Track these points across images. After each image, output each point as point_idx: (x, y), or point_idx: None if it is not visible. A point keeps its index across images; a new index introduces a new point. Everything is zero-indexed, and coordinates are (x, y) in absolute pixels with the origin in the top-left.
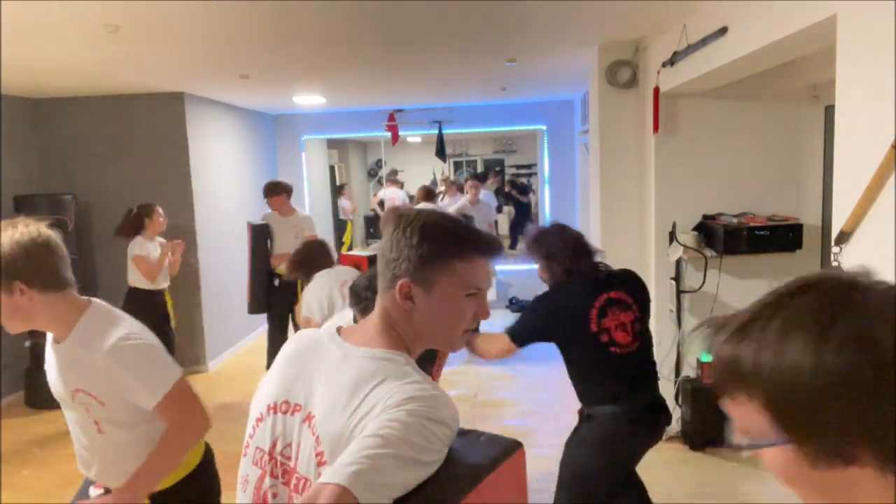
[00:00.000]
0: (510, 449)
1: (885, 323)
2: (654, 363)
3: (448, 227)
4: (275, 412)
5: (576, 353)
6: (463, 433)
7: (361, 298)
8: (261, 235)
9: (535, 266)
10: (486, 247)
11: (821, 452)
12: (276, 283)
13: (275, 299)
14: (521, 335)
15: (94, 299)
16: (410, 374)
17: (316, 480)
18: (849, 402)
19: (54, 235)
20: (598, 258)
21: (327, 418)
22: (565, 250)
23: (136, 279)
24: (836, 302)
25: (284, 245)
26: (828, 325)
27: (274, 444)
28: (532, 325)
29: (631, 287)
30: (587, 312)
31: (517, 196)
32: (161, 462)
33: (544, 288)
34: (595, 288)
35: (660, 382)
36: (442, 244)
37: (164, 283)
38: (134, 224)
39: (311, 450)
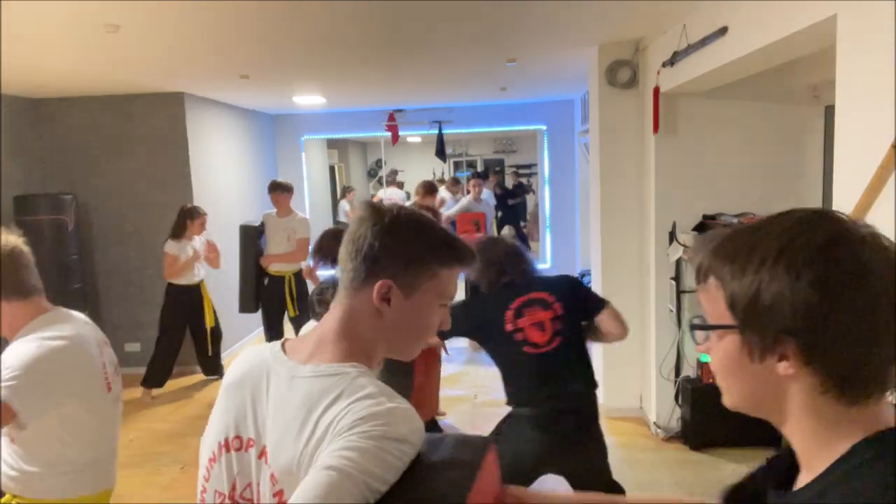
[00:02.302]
0: (483, 447)
1: (848, 244)
2: (578, 361)
3: (439, 232)
4: (227, 450)
5: (493, 353)
6: (431, 439)
7: (327, 304)
8: (249, 236)
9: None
10: (470, 257)
11: (758, 342)
12: (266, 281)
13: (265, 298)
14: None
15: (60, 308)
16: (364, 388)
17: None
18: (787, 302)
19: (20, 244)
20: (532, 267)
21: (279, 451)
22: (490, 267)
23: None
24: (810, 222)
25: (276, 246)
26: (804, 234)
27: (233, 487)
28: (454, 323)
29: (556, 288)
30: (503, 314)
31: (512, 199)
32: None
33: None
34: (516, 291)
35: (656, 381)
36: (434, 248)
37: (197, 279)
38: (177, 224)
39: (269, 488)
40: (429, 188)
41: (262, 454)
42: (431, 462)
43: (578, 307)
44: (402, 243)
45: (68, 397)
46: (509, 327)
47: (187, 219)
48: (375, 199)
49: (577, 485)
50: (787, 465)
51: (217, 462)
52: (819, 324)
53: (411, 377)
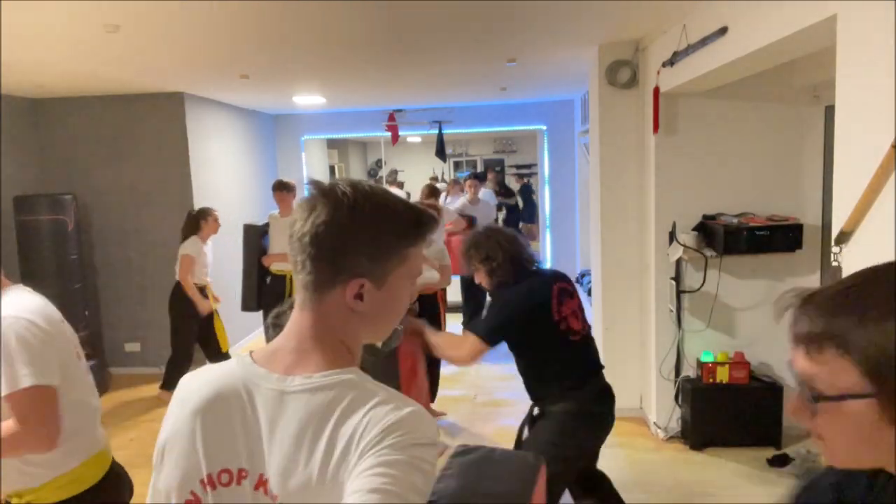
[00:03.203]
0: (536, 466)
1: None
2: (596, 349)
3: (401, 209)
4: (213, 487)
5: (541, 346)
6: (470, 451)
7: (269, 336)
8: (253, 235)
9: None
10: (434, 225)
11: None
12: (268, 280)
13: (266, 296)
14: (493, 334)
15: (19, 285)
16: (374, 394)
17: None
18: None
19: None
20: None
21: (287, 475)
22: (506, 249)
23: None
24: None
25: (279, 245)
26: None
27: None
28: (507, 322)
29: (567, 278)
30: (549, 302)
31: (503, 199)
32: None
33: None
34: (546, 281)
35: (654, 377)
36: (401, 231)
37: (206, 279)
38: (191, 225)
39: None
40: (432, 191)
41: (258, 484)
42: (481, 488)
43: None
44: (370, 234)
45: (57, 367)
46: (556, 317)
47: (200, 219)
48: None
49: (593, 457)
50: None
51: (202, 502)
52: None
53: (396, 381)
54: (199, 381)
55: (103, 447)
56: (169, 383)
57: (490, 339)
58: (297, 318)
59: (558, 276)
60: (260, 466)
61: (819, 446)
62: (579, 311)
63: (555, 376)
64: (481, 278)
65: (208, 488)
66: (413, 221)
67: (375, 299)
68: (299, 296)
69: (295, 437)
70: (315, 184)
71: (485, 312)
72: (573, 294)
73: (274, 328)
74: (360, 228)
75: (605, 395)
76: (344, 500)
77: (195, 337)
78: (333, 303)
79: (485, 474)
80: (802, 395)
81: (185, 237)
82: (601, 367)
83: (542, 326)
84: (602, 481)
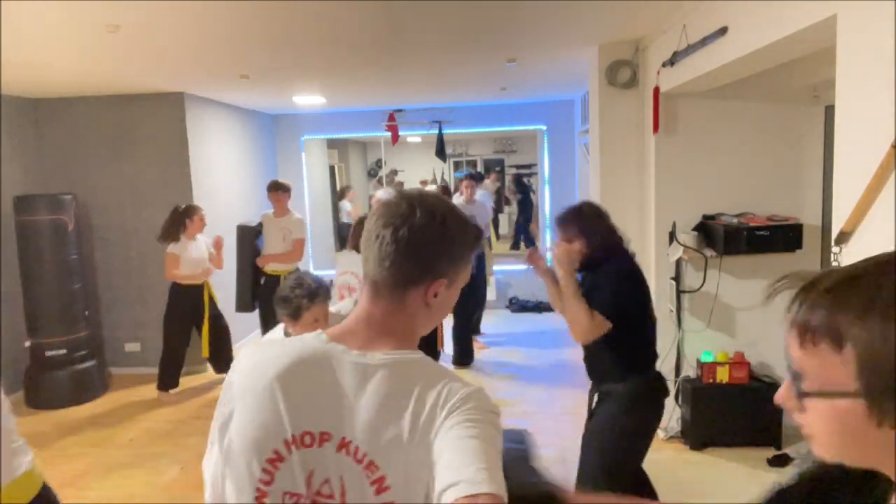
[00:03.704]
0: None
1: None
2: None
3: (469, 222)
4: (297, 447)
5: (636, 323)
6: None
7: (291, 303)
8: (246, 236)
9: (532, 255)
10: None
11: (892, 412)
12: (263, 281)
13: (261, 297)
14: (616, 313)
15: None
16: (446, 372)
17: None
18: None
19: None
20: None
21: (376, 434)
22: (606, 227)
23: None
24: None
25: (273, 246)
26: None
27: (308, 485)
28: (627, 303)
29: None
30: (646, 283)
31: (511, 195)
32: None
33: (543, 287)
34: (632, 260)
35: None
36: (470, 241)
37: (202, 279)
38: (174, 221)
39: (360, 479)
40: (443, 193)
41: (341, 446)
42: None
43: None
44: (453, 243)
45: None
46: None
47: (185, 218)
48: (374, 200)
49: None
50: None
51: (285, 461)
52: None
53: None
54: (273, 352)
55: (21, 474)
56: (163, 384)
57: (615, 321)
58: (370, 308)
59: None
60: (343, 430)
61: (807, 439)
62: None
63: (632, 354)
64: (570, 251)
65: (291, 448)
66: (474, 234)
67: (444, 297)
68: (374, 288)
69: (381, 402)
70: (404, 192)
71: (588, 290)
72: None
73: (284, 302)
74: (449, 237)
75: (662, 378)
76: (436, 453)
77: (186, 339)
78: (414, 297)
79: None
80: (792, 385)
81: (165, 232)
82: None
83: (644, 304)
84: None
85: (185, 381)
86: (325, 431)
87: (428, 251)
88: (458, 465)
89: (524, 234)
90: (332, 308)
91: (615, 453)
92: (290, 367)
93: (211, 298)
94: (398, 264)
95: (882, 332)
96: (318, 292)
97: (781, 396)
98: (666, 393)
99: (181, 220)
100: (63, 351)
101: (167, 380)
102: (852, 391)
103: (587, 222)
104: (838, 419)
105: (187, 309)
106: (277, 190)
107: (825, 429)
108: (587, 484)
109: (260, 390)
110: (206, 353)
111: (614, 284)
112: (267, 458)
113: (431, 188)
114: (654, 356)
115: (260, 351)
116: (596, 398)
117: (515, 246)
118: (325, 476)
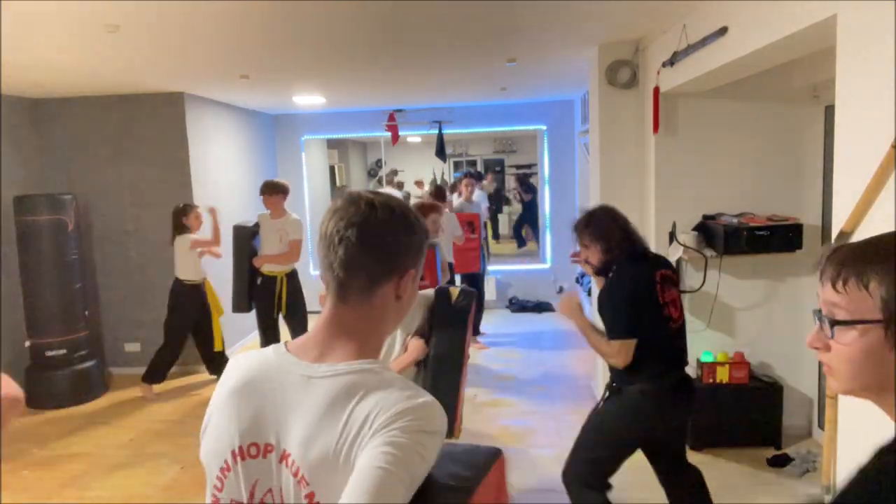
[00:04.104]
0: (492, 457)
1: None
2: (686, 343)
3: (416, 213)
4: (242, 458)
5: (644, 327)
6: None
7: None
8: (242, 237)
9: (537, 265)
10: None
11: None
12: (259, 281)
13: (258, 298)
14: (628, 329)
15: None
16: (392, 383)
17: None
18: None
19: None
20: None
21: (307, 449)
22: (621, 231)
23: (180, 272)
24: None
25: (269, 247)
26: None
27: (252, 494)
28: (629, 313)
29: (668, 264)
30: (655, 286)
31: (522, 195)
32: None
33: (543, 287)
34: (651, 265)
35: None
36: (424, 230)
37: (201, 276)
38: (175, 221)
39: (295, 491)
40: (439, 194)
41: (282, 458)
42: (434, 472)
43: None
44: (414, 233)
45: None
46: (661, 300)
47: (182, 216)
48: None
49: (666, 443)
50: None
51: (231, 471)
52: None
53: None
54: (237, 367)
55: None
56: (150, 377)
57: (629, 335)
58: (336, 311)
59: (661, 262)
60: (284, 442)
61: (827, 376)
62: (678, 302)
63: (645, 357)
64: (591, 256)
65: (238, 459)
66: (425, 226)
67: (412, 288)
68: (341, 290)
69: (317, 416)
70: (355, 192)
71: (595, 308)
72: (675, 283)
73: None
74: (410, 229)
75: (683, 387)
76: (358, 466)
77: (186, 337)
78: (384, 293)
79: (446, 458)
80: (822, 326)
81: (174, 232)
82: (686, 361)
83: (649, 308)
84: (686, 475)
85: (186, 381)
86: (269, 443)
87: (395, 246)
88: (348, 493)
89: (533, 232)
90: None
91: (587, 447)
92: (243, 380)
93: (212, 295)
94: (366, 264)
95: None
96: None
97: (811, 339)
98: (673, 406)
99: (178, 218)
100: (63, 351)
101: (156, 375)
102: (876, 319)
103: (600, 227)
104: (860, 345)
105: (189, 307)
106: (271, 193)
107: (849, 356)
108: (566, 468)
109: (222, 401)
110: (219, 346)
111: (610, 301)
112: (220, 466)
113: (426, 189)
114: (673, 360)
115: (234, 363)
116: (607, 392)
117: (521, 244)
118: (267, 486)
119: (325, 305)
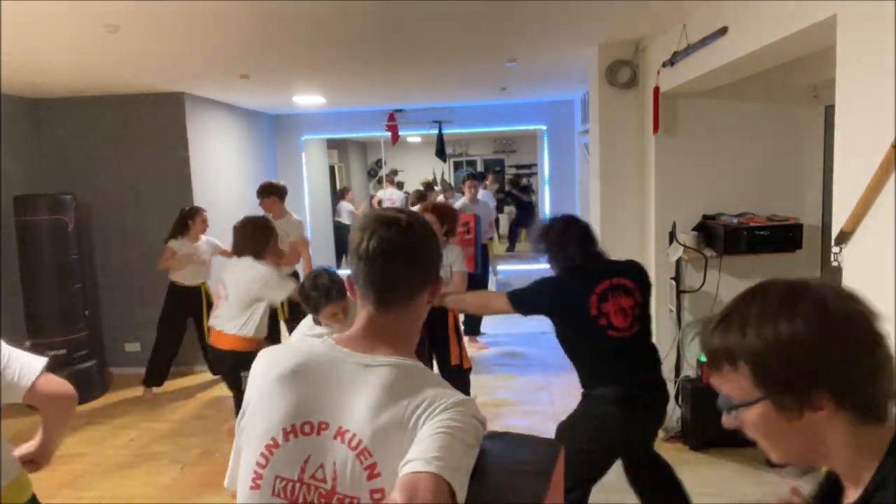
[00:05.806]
0: (554, 449)
1: (833, 297)
2: (653, 347)
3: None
4: (296, 435)
5: (574, 336)
6: (497, 436)
7: (310, 301)
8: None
9: (537, 266)
10: None
11: (793, 403)
12: None
13: None
14: (523, 303)
15: None
16: (441, 382)
17: (366, 496)
18: (813, 357)
19: None
20: (601, 249)
21: (372, 421)
22: (570, 245)
23: (174, 274)
24: (794, 289)
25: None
26: (793, 304)
27: (302, 469)
28: (536, 301)
29: (632, 273)
30: (588, 298)
31: (518, 195)
32: None
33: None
34: (599, 275)
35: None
36: (439, 241)
37: (198, 280)
38: (179, 224)
39: (353, 465)
40: (420, 197)
41: (338, 434)
42: (505, 467)
43: (649, 292)
44: (437, 245)
45: None
46: (594, 311)
47: (188, 219)
48: (374, 200)
49: (632, 456)
50: (831, 488)
51: (281, 447)
52: (843, 370)
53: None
54: (285, 353)
55: (10, 480)
56: (150, 378)
57: (518, 306)
58: (375, 319)
59: (616, 271)
60: (341, 420)
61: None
62: (630, 309)
63: (591, 366)
64: (550, 263)
65: (289, 436)
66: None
67: (438, 291)
68: (380, 303)
69: (381, 394)
70: (389, 210)
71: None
72: (631, 291)
73: (314, 289)
74: (435, 238)
75: (641, 392)
76: (423, 435)
77: (178, 333)
78: (421, 300)
79: (512, 445)
80: (727, 411)
81: (171, 233)
82: (646, 365)
83: (576, 318)
84: (654, 476)
85: (186, 381)
86: (323, 421)
87: (430, 261)
88: (421, 447)
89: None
90: None
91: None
92: (293, 366)
93: (208, 298)
94: (408, 279)
95: (758, 340)
96: (331, 291)
97: (726, 421)
98: (617, 416)
99: (184, 221)
100: (63, 351)
101: (153, 377)
102: (756, 398)
103: (549, 241)
104: (762, 424)
105: (183, 309)
106: (268, 196)
107: (763, 432)
108: None
109: (269, 386)
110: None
111: (535, 283)
112: (266, 444)
113: (419, 189)
114: (615, 373)
115: (273, 352)
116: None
117: (511, 248)
118: (319, 462)
119: (361, 313)
